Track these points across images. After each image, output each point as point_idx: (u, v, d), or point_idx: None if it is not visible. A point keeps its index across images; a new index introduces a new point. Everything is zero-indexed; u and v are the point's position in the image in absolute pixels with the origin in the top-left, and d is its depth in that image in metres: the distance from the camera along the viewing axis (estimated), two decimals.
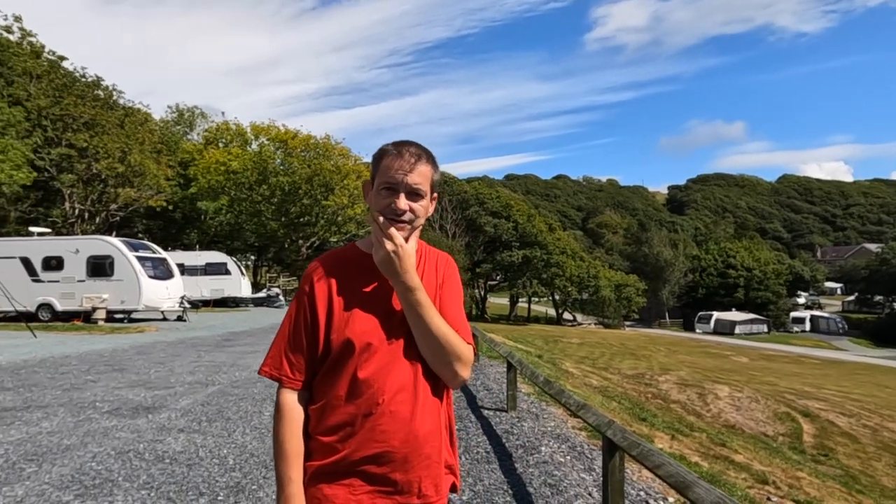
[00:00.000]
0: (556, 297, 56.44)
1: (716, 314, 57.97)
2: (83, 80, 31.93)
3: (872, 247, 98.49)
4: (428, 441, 1.40)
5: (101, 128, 29.26)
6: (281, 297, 32.51)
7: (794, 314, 66.22)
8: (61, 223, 30.31)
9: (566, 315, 60.14)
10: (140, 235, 37.20)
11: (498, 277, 54.64)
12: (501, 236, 48.10)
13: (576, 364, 16.55)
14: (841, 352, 44.16)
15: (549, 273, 49.18)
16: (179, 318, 20.20)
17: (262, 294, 33.07)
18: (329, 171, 38.66)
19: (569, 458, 5.13)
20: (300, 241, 41.04)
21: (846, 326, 61.58)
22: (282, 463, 1.39)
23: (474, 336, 11.08)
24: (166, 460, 4.75)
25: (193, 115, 51.62)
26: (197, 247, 37.29)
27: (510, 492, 4.23)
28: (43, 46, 31.38)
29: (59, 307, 18.24)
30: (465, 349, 1.40)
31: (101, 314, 17.79)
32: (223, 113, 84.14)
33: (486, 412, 6.77)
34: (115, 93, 33.30)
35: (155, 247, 21.16)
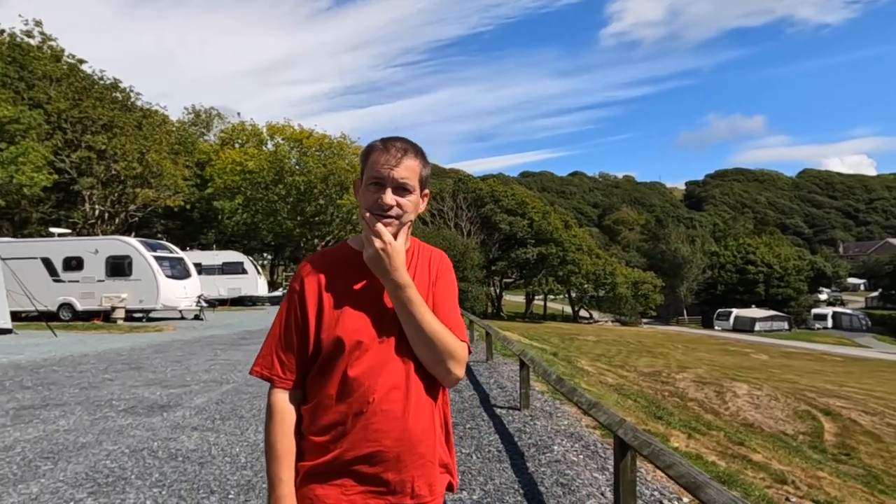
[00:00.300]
0: (573, 295, 56.13)
1: (735, 311, 57.18)
2: (101, 82, 32.41)
3: None
4: (422, 440, 1.37)
5: (119, 129, 29.69)
6: None
7: (815, 311, 65.05)
8: (82, 224, 30.83)
9: (582, 313, 59.79)
10: (159, 235, 37.69)
11: (513, 275, 54.48)
12: (516, 234, 47.92)
13: (591, 362, 16.43)
14: (864, 349, 43.29)
15: (564, 270, 48.92)
16: (196, 317, 20.42)
17: (278, 293, 33.34)
18: (344, 170, 38.84)
19: (582, 456, 5.08)
20: (316, 241, 41.30)
21: (869, 323, 60.32)
22: (272, 463, 1.37)
23: (487, 335, 11.05)
24: (179, 458, 4.79)
25: (210, 115, 52.13)
26: (214, 246, 37.68)
27: (521, 491, 4.19)
28: (63, 50, 31.88)
29: (79, 307, 18.54)
30: (459, 347, 1.38)
31: (120, 313, 18.05)
32: (238, 113, 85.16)
33: (498, 410, 6.73)
34: (132, 94, 33.76)
35: (172, 247, 21.42)
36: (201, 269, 26.10)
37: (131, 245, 18.91)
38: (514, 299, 64.62)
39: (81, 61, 32.19)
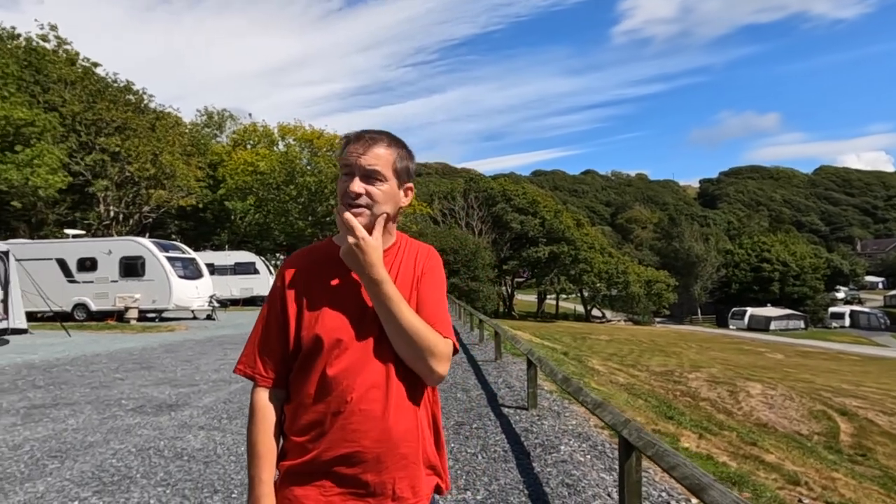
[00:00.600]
0: (585, 294, 55.83)
1: (750, 310, 56.57)
2: (115, 85, 32.76)
3: None
4: (403, 441, 1.33)
5: (132, 131, 29.99)
6: None
7: (832, 309, 64.20)
8: (97, 225, 31.19)
9: (595, 312, 59.47)
10: (173, 236, 38.05)
11: (525, 274, 54.30)
12: (528, 232, 47.77)
13: (603, 361, 16.31)
14: (882, 348, 42.57)
15: (576, 269, 48.68)
16: (209, 317, 20.56)
17: None
18: None
19: (589, 457, 5.02)
20: None
21: (888, 322, 59.33)
22: (252, 462, 1.36)
23: (496, 334, 10.99)
24: (184, 457, 4.80)
25: (223, 117, 52.50)
26: (227, 247, 37.96)
27: (525, 491, 4.14)
28: (77, 54, 32.25)
29: (93, 307, 18.74)
30: (440, 344, 1.33)
31: (133, 313, 18.22)
32: (250, 114, 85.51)
33: (506, 410, 6.68)
34: (145, 97, 34.09)
35: (184, 247, 21.58)
36: (214, 269, 26.28)
37: (144, 246, 19.08)
38: (525, 298, 64.45)
39: (96, 64, 32.56)
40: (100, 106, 29.33)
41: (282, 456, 1.38)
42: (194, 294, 19.50)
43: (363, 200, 1.35)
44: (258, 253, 35.82)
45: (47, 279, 17.54)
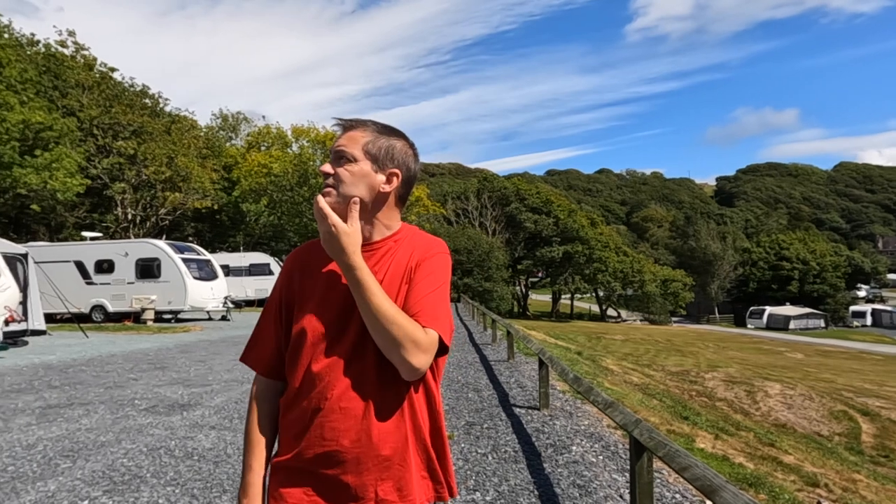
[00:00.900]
0: (600, 294, 55.47)
1: (768, 309, 55.78)
2: (132, 89, 33.20)
3: None
4: (384, 442, 1.27)
5: (148, 135, 30.37)
6: None
7: (853, 308, 63.11)
8: (115, 228, 31.62)
9: (610, 312, 59.05)
10: (190, 238, 38.45)
11: (539, 274, 54.06)
12: (542, 232, 47.55)
13: (617, 361, 16.15)
14: None
15: (591, 268, 48.37)
16: (224, 318, 20.73)
17: None
18: None
19: (601, 457, 4.94)
20: None
21: None
22: (245, 450, 1.39)
23: (508, 334, 10.92)
24: (195, 457, 4.80)
25: (237, 120, 52.98)
26: (242, 248, 38.25)
27: (536, 492, 4.08)
28: (95, 59, 32.77)
29: (110, 308, 18.98)
30: (416, 332, 1.22)
31: (149, 315, 18.41)
32: (264, 117, 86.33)
33: (517, 410, 6.62)
34: (161, 101, 34.51)
35: (200, 249, 21.78)
36: (229, 270, 26.49)
37: (160, 247, 19.27)
38: (540, 298, 64.19)
39: (113, 69, 33.05)
40: (116, 110, 29.75)
41: (277, 450, 1.38)
42: (209, 295, 19.67)
43: (330, 181, 1.34)
44: (273, 254, 36.06)
45: (65, 281, 17.78)
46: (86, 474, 4.38)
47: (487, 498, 3.97)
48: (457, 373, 9.25)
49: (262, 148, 44.68)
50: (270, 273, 30.36)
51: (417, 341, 1.22)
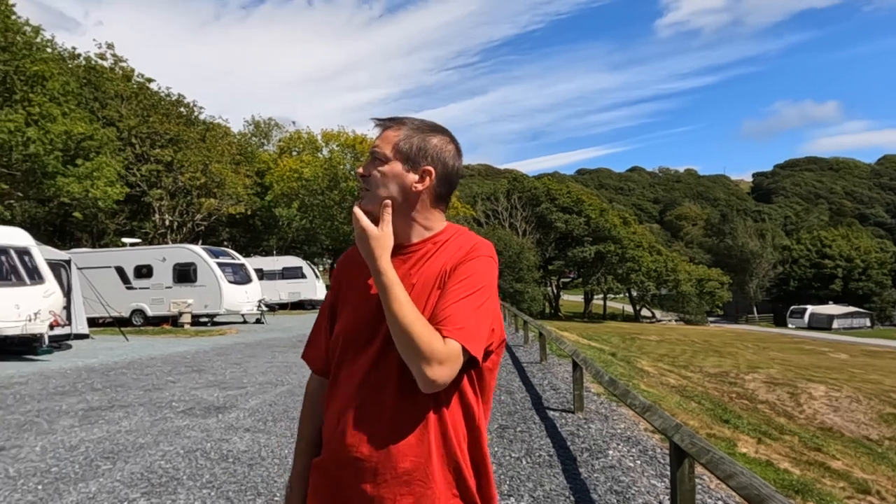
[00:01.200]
0: (633, 294, 54.59)
1: (810, 308, 54.10)
2: (168, 98, 34.08)
3: None
4: (406, 455, 1.19)
5: (183, 143, 31.13)
6: None
7: None
8: (153, 234, 32.50)
9: (644, 312, 58.04)
10: (225, 243, 39.27)
11: (571, 274, 53.49)
12: (573, 232, 47.04)
13: (653, 363, 15.82)
14: None
15: (624, 268, 47.65)
16: (258, 321, 21.05)
17: None
18: None
19: (639, 462, 4.81)
20: None
21: None
22: (296, 447, 1.44)
23: (540, 335, 10.79)
24: (230, 459, 4.85)
25: (269, 126, 53.92)
26: (275, 252, 38.88)
27: (572, 498, 3.99)
28: (133, 70, 33.75)
29: (149, 312, 19.48)
30: (434, 344, 1.13)
31: (187, 318, 18.83)
32: (294, 122, 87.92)
33: (551, 413, 6.51)
34: (196, 109, 35.33)
35: (234, 253, 22.19)
36: (263, 274, 26.92)
37: (196, 252, 19.70)
38: (572, 299, 63.51)
39: (150, 80, 33.97)
40: (153, 119, 30.59)
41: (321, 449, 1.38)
42: (244, 298, 20.01)
43: (366, 183, 1.32)
44: (305, 258, 36.55)
45: (107, 286, 18.31)
46: (125, 476, 4.46)
47: (522, 503, 3.90)
48: None
49: (294, 153, 45.38)
50: (303, 276, 30.75)
51: (432, 353, 1.12)
